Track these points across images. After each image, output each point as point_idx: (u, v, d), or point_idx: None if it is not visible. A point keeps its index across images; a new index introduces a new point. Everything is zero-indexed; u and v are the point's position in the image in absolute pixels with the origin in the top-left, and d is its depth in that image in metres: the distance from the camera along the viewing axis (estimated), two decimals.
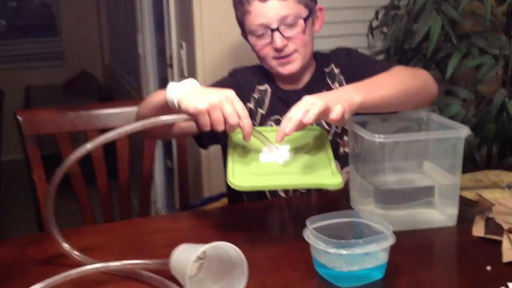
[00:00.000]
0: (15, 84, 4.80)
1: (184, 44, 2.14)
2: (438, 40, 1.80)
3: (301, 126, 1.05)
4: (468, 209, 1.18)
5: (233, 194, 1.51)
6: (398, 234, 0.92)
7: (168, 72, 2.39)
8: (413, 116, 1.25)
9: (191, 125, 1.34)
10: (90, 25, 5.02)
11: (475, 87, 1.77)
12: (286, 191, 1.39)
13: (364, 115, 1.18)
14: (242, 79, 1.44)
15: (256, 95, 1.43)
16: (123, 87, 3.96)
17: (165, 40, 2.39)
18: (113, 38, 4.61)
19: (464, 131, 1.10)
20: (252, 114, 1.41)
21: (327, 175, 1.08)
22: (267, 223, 1.22)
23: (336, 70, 1.43)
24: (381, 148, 1.08)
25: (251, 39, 1.37)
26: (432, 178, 1.19)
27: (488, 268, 0.95)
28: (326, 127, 1.39)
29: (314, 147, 1.19)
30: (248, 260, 0.87)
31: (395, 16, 1.99)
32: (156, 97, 1.20)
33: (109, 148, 1.36)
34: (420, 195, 1.15)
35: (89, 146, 0.98)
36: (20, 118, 1.48)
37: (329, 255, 0.89)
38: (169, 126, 1.31)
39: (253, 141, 1.14)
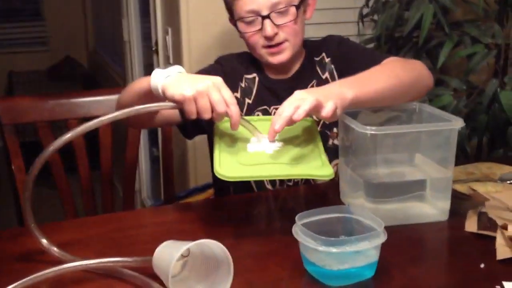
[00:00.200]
0: None
1: (169, 30, 2.09)
2: (430, 28, 1.77)
3: (291, 122, 1.02)
4: (460, 203, 1.15)
5: (219, 185, 1.47)
6: (389, 229, 0.89)
7: (154, 59, 2.34)
8: (405, 107, 1.22)
9: (175, 114, 1.30)
10: (75, 10, 4.92)
11: (466, 77, 1.74)
12: (273, 184, 1.35)
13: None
14: (229, 67, 1.40)
15: (243, 84, 1.39)
16: (108, 73, 3.89)
17: (150, 25, 2.33)
18: (98, 23, 4.53)
19: (458, 123, 1.07)
20: (239, 103, 1.36)
21: (317, 166, 1.04)
22: (254, 217, 1.18)
23: (327, 59, 1.39)
24: (372, 140, 1.05)
25: (240, 25, 1.33)
26: (424, 171, 1.16)
27: (482, 265, 0.92)
28: (315, 117, 1.35)
29: (304, 137, 1.15)
30: (234, 257, 0.84)
31: (386, 3, 1.95)
32: (139, 84, 1.16)
33: (92, 136, 1.32)
34: (412, 188, 1.12)
35: (67, 136, 0.94)
36: None
37: (319, 253, 0.86)
38: (152, 115, 1.26)
39: (241, 130, 1.10)
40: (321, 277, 0.88)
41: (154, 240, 0.91)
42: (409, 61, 1.32)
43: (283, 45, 1.31)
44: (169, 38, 2.09)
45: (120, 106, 1.21)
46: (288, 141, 1.12)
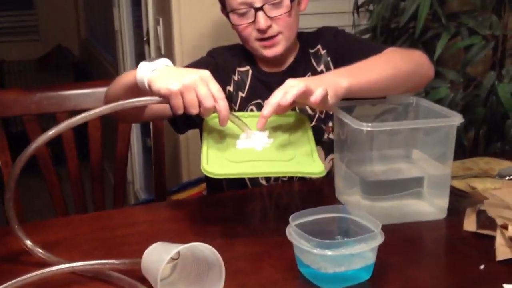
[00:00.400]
0: None
1: (161, 20, 2.04)
2: (426, 19, 1.73)
3: (280, 109, 0.99)
4: (458, 200, 1.12)
5: (211, 181, 1.44)
6: (385, 228, 0.86)
7: (145, 49, 2.29)
8: (402, 101, 1.19)
9: (165, 108, 1.25)
10: None
11: (463, 69, 1.71)
12: (267, 180, 1.32)
13: (353, 100, 1.12)
14: (222, 60, 1.36)
15: (236, 78, 1.35)
16: (100, 62, 3.84)
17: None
18: (89, 12, 4.47)
19: (457, 119, 1.04)
20: (231, 98, 1.33)
21: (308, 163, 1.01)
22: (247, 215, 1.15)
23: (323, 51, 1.36)
24: (368, 137, 1.01)
25: (233, 17, 1.29)
26: (422, 168, 1.13)
27: (482, 267, 0.89)
28: (310, 111, 1.32)
29: (295, 133, 1.11)
30: (226, 257, 0.81)
31: None
32: (125, 78, 1.12)
33: (82, 126, 1.28)
34: (409, 185, 1.09)
35: (50, 133, 0.91)
36: None
37: (314, 255, 0.83)
38: (140, 109, 1.23)
39: (230, 126, 1.07)
40: (316, 280, 0.85)
41: (144, 241, 0.88)
42: (409, 51, 1.28)
43: (276, 38, 1.27)
44: (160, 29, 2.05)
45: (107, 100, 1.18)
46: (279, 137, 1.09)
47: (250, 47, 1.31)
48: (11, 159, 1.40)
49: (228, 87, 1.33)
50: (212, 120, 1.11)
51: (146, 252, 0.84)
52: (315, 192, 1.24)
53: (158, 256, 0.80)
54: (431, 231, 1.04)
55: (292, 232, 0.86)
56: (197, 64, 1.31)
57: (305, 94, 0.98)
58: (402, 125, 1.09)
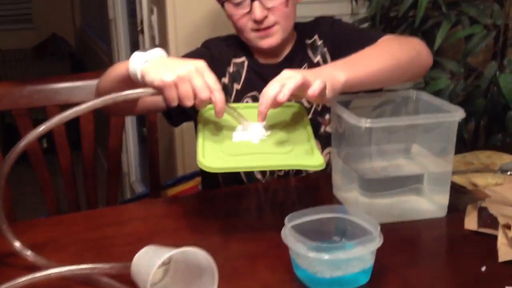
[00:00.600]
0: None
1: (155, 9, 2.00)
2: (427, 7, 1.69)
3: (276, 103, 0.95)
4: (459, 196, 1.09)
5: (207, 175, 1.41)
6: (384, 227, 0.83)
7: (140, 39, 2.25)
8: (402, 95, 1.15)
9: (159, 100, 1.22)
10: None
11: (464, 59, 1.67)
12: (263, 173, 1.29)
13: (351, 93, 1.08)
14: (217, 51, 1.32)
15: (231, 69, 1.31)
16: (95, 51, 3.79)
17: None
18: (84, 0, 4.40)
19: (458, 114, 1.00)
20: (227, 90, 1.29)
21: (307, 156, 0.98)
22: (242, 213, 1.12)
23: (320, 41, 1.32)
24: (367, 132, 0.98)
25: (228, 7, 1.25)
26: (422, 164, 1.10)
27: (483, 268, 0.86)
28: (306, 104, 1.28)
29: (292, 125, 1.08)
30: (220, 258, 0.78)
31: None
32: (117, 69, 1.08)
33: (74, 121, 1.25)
34: (408, 182, 1.06)
35: (40, 129, 0.88)
36: None
37: (310, 259, 0.80)
38: (133, 102, 1.19)
39: (226, 118, 1.03)
40: (312, 284, 0.82)
41: (136, 241, 0.86)
42: (406, 39, 1.24)
43: (273, 28, 1.23)
44: (154, 18, 2.01)
45: (99, 93, 1.14)
46: (276, 129, 1.06)
47: (245, 38, 1.27)
48: (2, 152, 1.37)
49: (223, 79, 1.30)
50: (208, 111, 1.08)
51: (136, 256, 0.81)
52: (312, 188, 1.21)
53: (149, 261, 0.77)
54: (431, 230, 1.01)
55: (287, 234, 0.83)
56: (192, 55, 1.27)
57: (303, 86, 0.94)
58: (402, 121, 1.06)
